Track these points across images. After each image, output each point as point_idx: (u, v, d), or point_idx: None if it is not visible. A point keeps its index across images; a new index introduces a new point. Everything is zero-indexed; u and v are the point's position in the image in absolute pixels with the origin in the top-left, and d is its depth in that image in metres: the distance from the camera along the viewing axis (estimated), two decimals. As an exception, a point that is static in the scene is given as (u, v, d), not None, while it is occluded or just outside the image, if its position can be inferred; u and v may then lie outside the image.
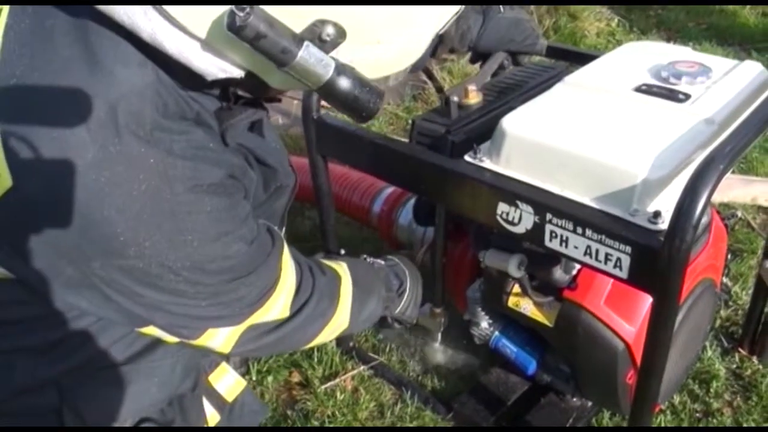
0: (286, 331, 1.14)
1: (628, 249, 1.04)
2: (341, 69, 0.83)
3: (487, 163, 1.23)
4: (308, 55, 0.80)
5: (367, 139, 1.36)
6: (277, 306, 1.11)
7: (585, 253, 1.10)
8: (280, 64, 0.81)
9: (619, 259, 1.06)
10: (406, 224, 1.93)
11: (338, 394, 1.75)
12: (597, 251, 1.08)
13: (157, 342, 1.10)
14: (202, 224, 0.92)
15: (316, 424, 1.68)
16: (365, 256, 1.52)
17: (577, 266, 1.33)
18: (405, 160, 1.31)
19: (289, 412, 1.73)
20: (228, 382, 1.37)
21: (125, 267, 0.90)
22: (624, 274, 1.07)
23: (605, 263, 1.08)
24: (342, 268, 1.34)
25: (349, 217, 2.14)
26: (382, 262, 1.52)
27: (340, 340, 1.87)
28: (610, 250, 1.07)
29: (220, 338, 1.08)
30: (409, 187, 1.45)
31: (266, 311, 1.09)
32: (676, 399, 1.69)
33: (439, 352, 1.78)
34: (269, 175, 1.16)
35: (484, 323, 1.60)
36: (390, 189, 2.05)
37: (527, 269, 1.36)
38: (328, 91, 0.84)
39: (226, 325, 1.06)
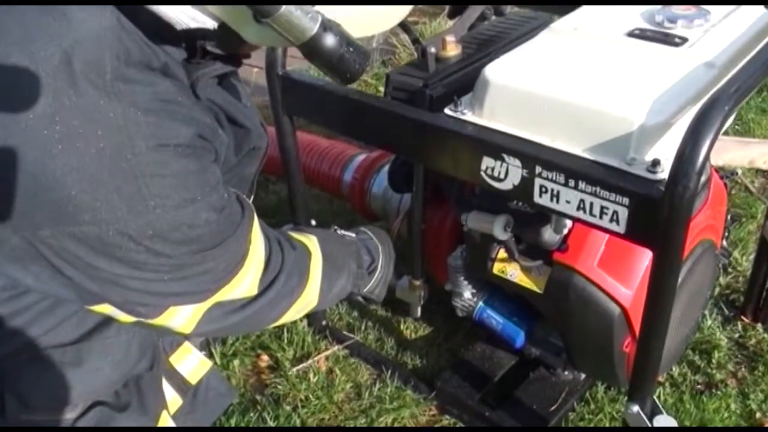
0: (253, 310, 1.10)
1: (626, 200, 1.02)
2: (327, 24, 0.81)
3: (469, 116, 1.20)
4: (294, 6, 0.77)
5: (339, 95, 1.32)
6: (245, 282, 1.07)
7: (578, 208, 1.08)
8: (262, 15, 0.77)
9: (615, 212, 1.04)
10: (380, 193, 1.90)
11: (311, 376, 1.72)
12: (591, 205, 1.06)
13: (111, 319, 1.04)
14: (166, 189, 0.88)
15: (288, 408, 1.66)
16: (336, 227, 1.48)
17: (568, 226, 1.30)
18: (380, 116, 1.28)
19: (258, 398, 1.70)
20: (191, 363, 1.33)
21: (79, 235, 0.86)
22: (621, 229, 1.04)
23: (600, 217, 1.06)
24: (312, 242, 1.30)
25: (319, 188, 2.11)
26: (354, 236, 1.49)
27: (312, 320, 1.85)
28: (605, 203, 1.04)
29: (182, 317, 1.03)
30: (385, 146, 1.41)
31: (233, 288, 1.05)
32: (675, 371, 1.68)
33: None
34: (241, 136, 1.12)
35: (467, 293, 1.57)
36: (362, 156, 2.02)
37: (514, 231, 1.33)
38: (311, 48, 0.81)
39: (189, 303, 1.02)
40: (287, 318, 1.23)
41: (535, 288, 1.39)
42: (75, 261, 0.89)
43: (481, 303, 1.57)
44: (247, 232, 1.05)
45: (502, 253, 1.44)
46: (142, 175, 0.82)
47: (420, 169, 1.51)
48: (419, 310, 1.74)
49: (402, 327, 1.86)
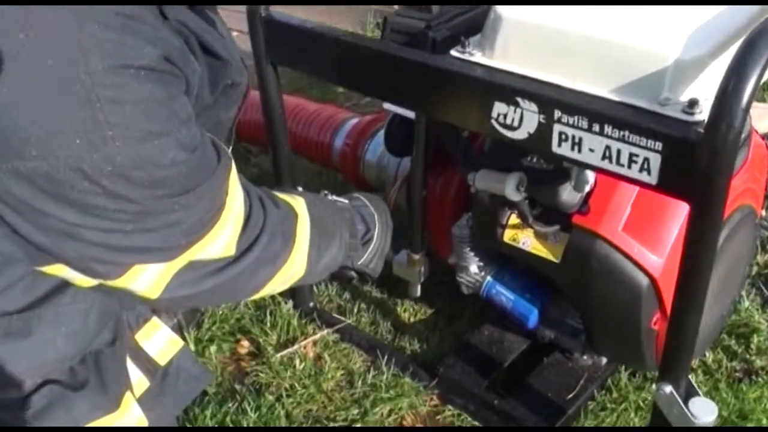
0: (230, 274, 1.05)
1: (658, 145, 0.97)
2: None
3: (478, 57, 1.16)
4: None
5: (330, 38, 1.28)
6: (221, 239, 1.01)
7: (604, 157, 1.03)
8: None
9: (646, 160, 0.99)
10: (375, 160, 1.86)
11: (297, 362, 1.69)
12: (619, 152, 1.01)
13: (67, 283, 0.98)
14: (127, 117, 0.82)
15: (271, 398, 1.62)
16: (326, 192, 1.43)
17: (590, 182, 1.25)
18: (377, 60, 1.23)
19: (237, 387, 1.67)
20: (160, 341, 1.28)
21: (25, 172, 0.80)
22: (653, 179, 0.99)
23: (629, 166, 1.01)
24: (298, 203, 1.25)
25: (306, 157, 2.07)
26: (347, 202, 1.44)
27: (298, 301, 1.82)
28: (635, 150, 0.99)
29: (147, 278, 0.97)
30: (383, 94, 1.36)
31: (207, 245, 0.99)
32: (709, 357, 1.64)
33: None
34: (217, 68, 1.06)
35: (474, 267, 1.53)
36: (354, 120, 1.98)
37: (527, 191, 1.29)
38: None
39: (156, 261, 0.96)
40: (269, 289, 1.17)
41: (551, 257, 1.35)
42: (21, 206, 0.82)
43: (489, 278, 1.53)
44: (224, 181, 0.99)
45: (513, 219, 1.40)
46: (98, 100, 0.77)
47: (421, 126, 1.46)
48: (419, 288, 1.70)
49: (399, 309, 1.83)
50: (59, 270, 0.94)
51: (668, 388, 1.13)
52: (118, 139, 0.81)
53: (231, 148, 1.22)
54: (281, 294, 1.80)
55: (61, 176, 0.81)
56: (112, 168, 0.82)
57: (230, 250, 1.02)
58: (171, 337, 1.30)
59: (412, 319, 1.81)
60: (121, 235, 0.89)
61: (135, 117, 0.82)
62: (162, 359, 1.27)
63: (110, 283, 0.96)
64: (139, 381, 1.22)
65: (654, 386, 1.34)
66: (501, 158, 1.32)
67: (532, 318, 1.50)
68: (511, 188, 1.28)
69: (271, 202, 1.14)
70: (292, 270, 1.19)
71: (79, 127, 0.79)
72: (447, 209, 1.56)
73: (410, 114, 1.50)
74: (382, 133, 1.77)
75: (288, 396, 1.61)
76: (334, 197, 1.43)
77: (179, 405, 1.30)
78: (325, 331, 1.76)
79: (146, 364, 1.24)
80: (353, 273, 1.48)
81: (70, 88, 0.78)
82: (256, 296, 1.18)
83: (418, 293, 1.71)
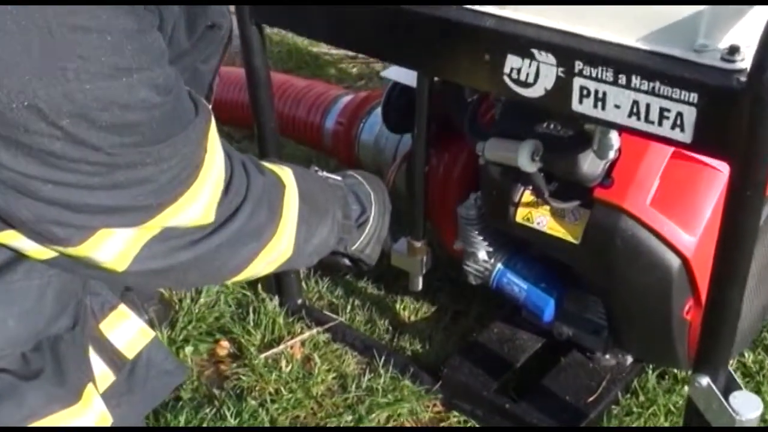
0: (208, 247, 1.01)
1: (693, 97, 0.94)
2: None
3: (488, 6, 1.11)
4: None
5: (321, -11, 1.24)
6: (198, 204, 0.97)
7: (631, 113, 1.01)
8: None
9: (679, 114, 0.96)
10: (372, 141, 1.84)
11: (283, 364, 1.67)
12: (648, 107, 0.98)
13: (19, 256, 0.94)
14: (92, 48, 0.77)
15: (253, 404, 1.60)
16: (316, 168, 1.41)
17: (613, 149, 1.21)
18: (374, 14, 1.20)
19: (216, 392, 1.64)
20: (128, 331, 1.24)
21: None
22: (686, 137, 0.97)
23: (659, 123, 0.98)
24: (286, 174, 1.22)
25: (295, 140, 2.07)
26: (339, 179, 1.41)
27: (285, 297, 1.80)
28: (666, 104, 0.97)
29: (114, 246, 0.93)
30: (380, 52, 1.33)
31: (182, 208, 0.95)
32: (749, 357, 1.61)
33: None
34: (195, 9, 1.02)
35: (482, 253, 1.51)
36: (348, 97, 1.97)
37: (543, 160, 1.26)
38: None
39: (124, 224, 0.91)
40: (253, 270, 1.14)
41: (569, 237, 1.32)
42: (-36, 153, 0.79)
43: (499, 265, 1.50)
44: (202, 136, 0.95)
45: (527, 196, 1.37)
46: (59, 27, 0.73)
47: (423, 94, 1.44)
48: (420, 281, 1.68)
49: (398, 306, 1.81)
50: (11, 238, 0.90)
51: (705, 380, 1.10)
52: (82, 73, 0.77)
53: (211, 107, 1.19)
54: (266, 289, 1.81)
55: (13, 115, 0.76)
56: (73, 107, 0.78)
57: (208, 217, 0.99)
58: (140, 328, 1.26)
59: (412, 318, 1.79)
60: (85, 191, 0.85)
61: (101, 49, 0.78)
62: (130, 352, 1.23)
63: (71, 251, 0.91)
64: (103, 374, 1.18)
65: (687, 388, 1.32)
66: (513, 125, 1.30)
67: (548, 310, 1.47)
68: (525, 157, 1.25)
69: (255, 168, 1.11)
70: (279, 248, 1.15)
71: (36, 57, 0.75)
72: (452, 188, 1.54)
73: (411, 81, 1.48)
74: (379, 111, 1.76)
75: (273, 401, 1.59)
76: (325, 173, 1.40)
77: (149, 404, 1.26)
78: (315, 330, 1.74)
79: (112, 356, 1.20)
80: (346, 260, 1.46)
81: (27, 17, 0.74)
82: (238, 278, 1.14)
83: (420, 287, 1.68)
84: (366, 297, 1.83)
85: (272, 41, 2.88)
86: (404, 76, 1.55)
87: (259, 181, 1.10)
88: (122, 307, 1.25)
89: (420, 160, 1.52)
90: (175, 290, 1.79)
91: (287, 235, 1.17)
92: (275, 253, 1.15)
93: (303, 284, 1.84)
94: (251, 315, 1.76)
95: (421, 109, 1.46)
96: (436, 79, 1.44)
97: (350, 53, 2.89)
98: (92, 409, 1.09)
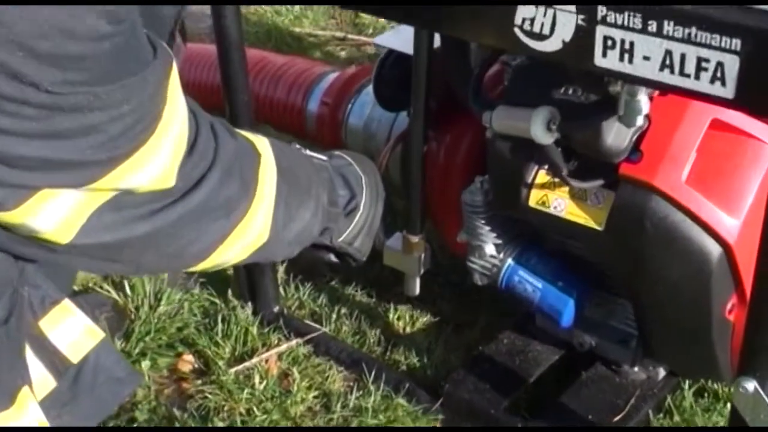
0: (170, 218, 1.00)
1: (736, 44, 0.93)
2: None
3: (496, -51, 1.11)
4: None
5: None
6: (157, 162, 0.96)
7: (663, 66, 1.00)
8: None
9: (719, 65, 0.95)
10: (361, 125, 1.85)
11: (257, 380, 1.66)
12: (683, 59, 0.97)
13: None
14: None
15: (222, 425, 1.59)
16: (297, 145, 1.40)
17: (642, 115, 1.20)
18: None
19: (177, 413, 1.63)
20: (73, 331, 1.22)
21: None
22: (728, 91, 0.95)
23: (696, 77, 0.97)
24: (262, 143, 1.21)
25: (274, 125, 2.05)
26: (325, 158, 1.41)
27: (260, 304, 1.80)
28: (704, 52, 0.95)
29: (57, 212, 0.91)
30: (373, 6, 1.32)
31: (137, 167, 0.93)
32: None
33: None
34: None
35: (490, 247, 1.50)
36: (333, 75, 1.98)
37: (560, 130, 1.25)
38: None
39: (70, 183, 0.90)
40: (221, 256, 1.13)
41: (591, 223, 1.32)
42: None
43: (510, 261, 1.49)
44: (160, 82, 0.93)
45: (542, 176, 1.37)
46: None
47: (422, 61, 1.43)
48: (418, 284, 1.67)
49: (392, 314, 1.81)
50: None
51: (751, 385, 1.08)
52: None
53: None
54: (237, 295, 1.81)
55: None
56: (7, 32, 0.77)
57: (168, 181, 0.97)
58: (87, 327, 1.24)
59: (408, 329, 1.79)
60: (21, 140, 0.83)
61: None
62: (75, 355, 1.21)
63: (5, 216, 0.89)
64: (42, 380, 1.16)
65: (729, 407, 1.30)
66: (525, 91, 1.30)
67: (567, 312, 1.46)
68: (540, 126, 1.24)
69: (225, 130, 1.10)
70: (253, 230, 1.14)
71: None
72: (455, 172, 1.54)
73: (408, 48, 1.47)
74: (369, 90, 1.75)
75: (244, 423, 1.58)
76: (309, 152, 1.40)
77: (96, 415, 1.24)
78: (294, 342, 1.74)
79: (53, 359, 1.19)
80: (331, 255, 1.45)
81: None
82: (204, 265, 1.13)
83: (417, 291, 1.68)
84: (354, 304, 1.83)
85: (249, 22, 2.89)
86: (399, 42, 1.54)
87: (229, 145, 1.09)
88: (66, 302, 1.23)
89: (418, 139, 1.51)
90: (128, 276, 1.80)
91: (262, 213, 1.16)
92: (249, 235, 1.14)
93: (281, 290, 1.83)
94: (220, 325, 1.75)
95: (419, 79, 1.46)
96: (435, 45, 1.43)
97: (338, 34, 2.91)
98: (27, 415, 1.07)
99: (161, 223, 0.99)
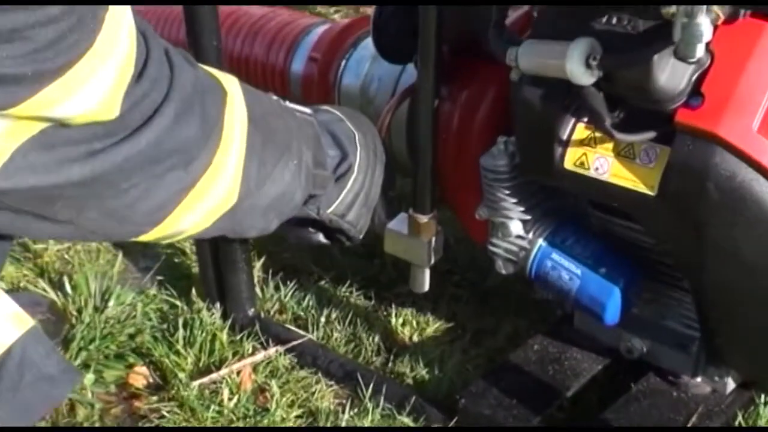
0: (114, 161, 1.00)
1: None
2: None
3: None
4: None
5: None
6: (96, 84, 0.96)
7: None
8: None
9: None
10: (357, 86, 1.85)
11: (226, 396, 1.67)
12: None
13: None
14: None
15: None
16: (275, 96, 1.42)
17: (703, 41, 1.19)
18: None
19: None
20: (-6, 316, 1.22)
21: None
22: None
23: None
24: (229, 81, 1.23)
25: None
26: (309, 112, 1.43)
27: (230, 305, 1.81)
28: None
29: None
30: None
31: (69, 89, 0.93)
32: None
33: None
34: None
35: (516, 224, 1.50)
36: (322, 27, 1.98)
37: (602, 67, 1.24)
38: None
39: None
40: (180, 220, 1.14)
41: (641, 187, 1.30)
42: None
43: (541, 241, 1.49)
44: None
45: (580, 130, 1.36)
46: None
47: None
48: (427, 278, 1.65)
49: (395, 319, 1.83)
50: None
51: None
52: None
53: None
54: (202, 295, 1.84)
55: None
56: None
57: (110, 111, 0.97)
58: (13, 313, 1.24)
59: (415, 337, 1.81)
60: None
61: None
62: (-5, 345, 1.22)
63: None
64: (-45, 375, 1.17)
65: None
66: (559, 22, 1.30)
67: (612, 305, 1.45)
68: (578, 62, 1.23)
69: (183, 59, 1.11)
70: (218, 188, 1.15)
71: None
72: (473, 133, 1.54)
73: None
74: (368, 43, 1.77)
75: (210, 446, 1.59)
76: (290, 103, 1.42)
77: (20, 419, 1.24)
78: (273, 350, 1.76)
79: (-32, 350, 1.19)
80: (320, 236, 1.48)
81: None
82: (158, 232, 1.14)
83: (426, 286, 1.65)
84: (348, 307, 1.85)
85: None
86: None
87: (187, 74, 1.09)
88: (-13, 281, 1.24)
89: (428, 94, 1.50)
90: (68, 272, 1.81)
91: (230, 167, 1.16)
92: (213, 194, 1.15)
93: (257, 289, 1.85)
94: (181, 330, 1.77)
95: (428, 20, 1.45)
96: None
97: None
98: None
99: (103, 166, 1.00)
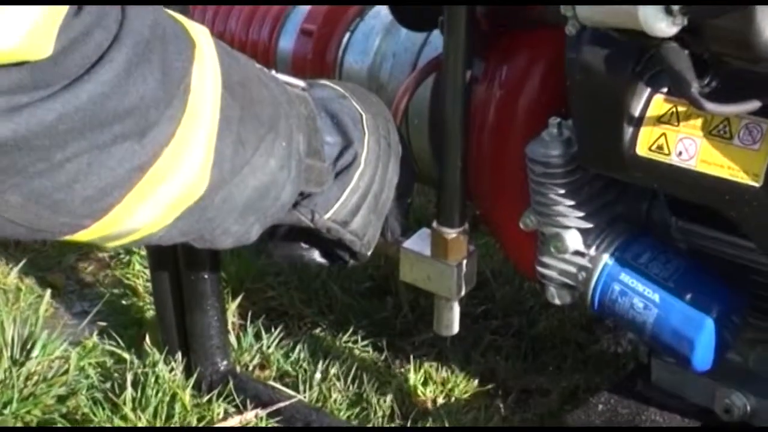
0: (44, 118, 1.00)
1: None
2: None
3: None
4: None
5: None
6: (19, 10, 0.98)
7: None
8: None
9: None
10: (366, 65, 1.89)
11: None
12: None
13: None
14: None
15: None
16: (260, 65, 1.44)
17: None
18: None
19: None
20: None
21: None
22: None
23: None
24: (199, 32, 1.24)
25: None
26: (303, 85, 1.45)
27: (196, 357, 1.83)
28: None
29: None
30: None
31: None
32: None
33: None
34: None
35: (573, 236, 1.50)
36: None
37: (686, 14, 1.25)
38: None
39: None
40: (131, 216, 1.15)
41: (742, 176, 1.32)
42: None
43: (606, 258, 1.50)
44: None
45: (658, 103, 1.37)
46: None
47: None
48: (456, 316, 1.66)
49: (413, 375, 1.84)
50: None
51: None
52: None
53: None
54: (159, 343, 1.86)
55: None
56: None
57: (39, 47, 0.98)
58: None
59: (440, 399, 1.82)
60: None
61: None
62: None
63: None
64: None
65: None
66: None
67: (702, 342, 1.45)
68: (655, 9, 1.25)
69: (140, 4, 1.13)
70: (183, 168, 1.16)
71: None
72: (517, 117, 1.56)
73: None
74: (377, 11, 1.84)
75: None
76: (283, 77, 1.44)
77: None
78: (252, 414, 1.77)
79: None
80: (316, 253, 1.49)
81: None
82: (103, 229, 1.15)
83: (455, 328, 1.67)
84: (352, 360, 1.87)
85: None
86: None
87: (145, 15, 1.10)
88: None
89: (456, 68, 1.52)
90: None
91: (199, 142, 1.17)
92: (178, 177, 1.15)
93: (233, 337, 1.88)
94: (129, 390, 1.78)
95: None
96: None
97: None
98: None
99: (29, 127, 1.00)
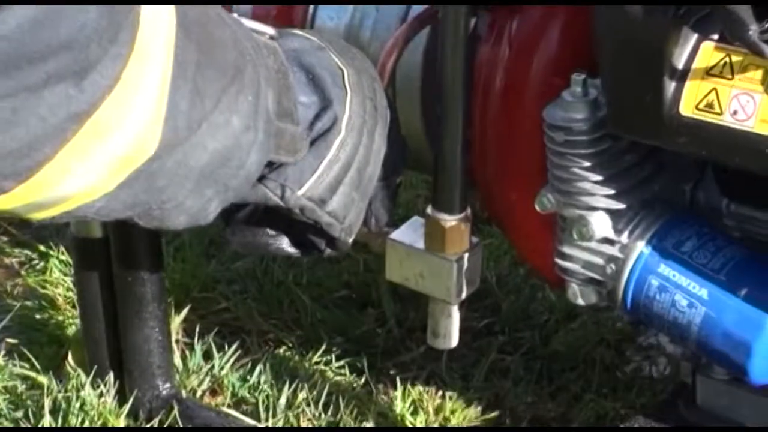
0: None
1: None
2: None
3: None
4: None
5: None
6: None
7: None
8: None
9: None
10: (343, 22, 1.90)
11: None
12: None
13: None
14: None
15: None
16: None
17: None
18: None
19: None
20: None
21: None
22: None
23: None
24: None
25: None
26: (272, 33, 1.47)
27: (131, 380, 1.84)
28: None
29: None
30: None
31: None
32: None
33: None
34: None
35: (601, 219, 1.52)
36: None
37: None
38: None
39: None
40: (66, 177, 1.14)
41: (810, 141, 1.32)
42: None
43: (642, 246, 1.51)
44: None
45: (707, 52, 1.38)
46: None
47: None
48: (455, 325, 1.69)
49: (400, 402, 1.85)
50: None
51: None
52: None
53: None
54: (84, 363, 1.86)
55: None
56: None
57: None
58: None
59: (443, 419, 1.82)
60: None
61: None
62: None
63: None
64: None
65: None
66: None
67: (761, 346, 1.47)
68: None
69: None
70: (129, 121, 1.17)
71: None
72: (531, 77, 1.57)
73: None
74: None
75: None
76: (252, 23, 1.46)
77: None
78: None
79: None
80: (285, 241, 1.51)
81: None
82: (32, 194, 1.15)
83: (454, 340, 1.69)
84: (324, 383, 1.89)
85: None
86: None
87: None
88: None
89: (457, 17, 1.53)
90: None
91: (149, 89, 1.18)
92: (123, 132, 1.16)
93: (178, 357, 1.89)
94: (47, 418, 1.80)
95: None
96: None
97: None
98: None
99: None
